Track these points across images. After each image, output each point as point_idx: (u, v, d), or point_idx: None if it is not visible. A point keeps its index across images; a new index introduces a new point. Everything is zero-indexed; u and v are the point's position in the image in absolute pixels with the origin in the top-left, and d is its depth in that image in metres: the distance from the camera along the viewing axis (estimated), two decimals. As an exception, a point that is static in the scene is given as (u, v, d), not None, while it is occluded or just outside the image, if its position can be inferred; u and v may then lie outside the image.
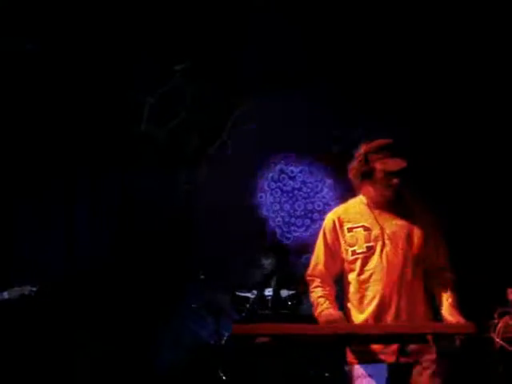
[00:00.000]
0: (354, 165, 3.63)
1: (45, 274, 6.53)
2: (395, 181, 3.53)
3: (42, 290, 5.67)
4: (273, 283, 6.30)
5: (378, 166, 3.52)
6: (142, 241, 7.60)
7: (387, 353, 3.38)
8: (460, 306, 3.57)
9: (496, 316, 3.14)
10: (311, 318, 3.81)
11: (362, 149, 3.60)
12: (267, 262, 6.45)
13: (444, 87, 6.67)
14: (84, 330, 6.40)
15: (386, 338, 3.23)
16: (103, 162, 7.29)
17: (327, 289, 3.69)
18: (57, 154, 7.01)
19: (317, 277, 3.72)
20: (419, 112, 6.75)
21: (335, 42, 6.59)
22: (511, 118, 6.52)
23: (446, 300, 3.52)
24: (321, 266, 3.71)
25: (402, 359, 3.29)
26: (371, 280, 3.55)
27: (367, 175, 3.57)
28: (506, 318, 3.11)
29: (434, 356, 3.38)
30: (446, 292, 3.54)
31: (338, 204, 3.92)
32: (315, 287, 3.72)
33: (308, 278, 3.77)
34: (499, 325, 3.08)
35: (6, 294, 5.49)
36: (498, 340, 3.06)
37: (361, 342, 3.38)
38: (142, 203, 7.80)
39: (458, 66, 6.53)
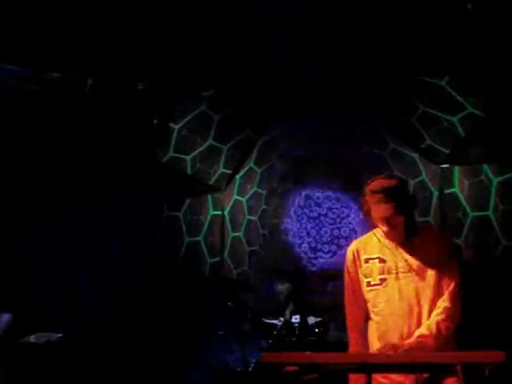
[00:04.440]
0: (360, 202, 3.70)
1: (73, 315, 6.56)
2: (384, 228, 3.58)
3: (68, 337, 5.64)
4: (288, 310, 6.26)
5: (372, 209, 3.58)
6: (169, 269, 7.66)
7: None
8: (487, 333, 3.53)
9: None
10: (338, 345, 3.82)
11: (365, 188, 3.64)
12: (283, 288, 6.43)
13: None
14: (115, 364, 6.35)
15: (413, 368, 3.21)
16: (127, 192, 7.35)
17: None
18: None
19: (348, 310, 3.79)
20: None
21: (360, 67, 6.60)
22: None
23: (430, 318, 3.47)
24: (347, 302, 3.79)
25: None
26: (384, 312, 3.57)
27: (369, 215, 3.63)
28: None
29: None
30: (434, 315, 3.47)
31: (364, 230, 3.96)
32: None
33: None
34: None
35: (32, 338, 5.46)
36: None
37: (387, 370, 3.37)
38: (166, 231, 7.88)
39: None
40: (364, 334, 3.73)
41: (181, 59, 6.20)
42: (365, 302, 3.68)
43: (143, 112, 7.00)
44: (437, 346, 3.36)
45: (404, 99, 6.85)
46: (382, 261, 3.61)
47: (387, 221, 3.54)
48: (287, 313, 6.20)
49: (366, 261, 3.67)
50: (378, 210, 3.53)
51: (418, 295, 3.51)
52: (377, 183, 3.56)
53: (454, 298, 3.47)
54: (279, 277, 6.56)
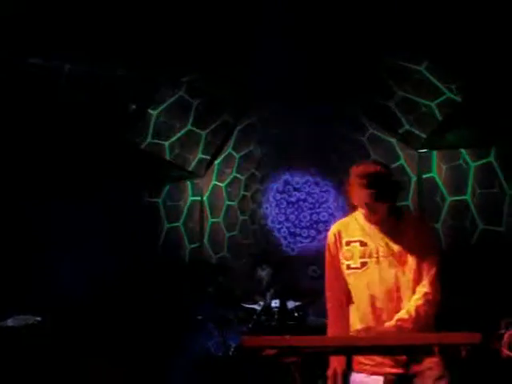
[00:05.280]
0: (345, 185, 3.69)
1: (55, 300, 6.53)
2: (364, 211, 3.62)
3: (46, 319, 5.60)
4: (269, 295, 6.26)
5: (353, 193, 3.61)
6: (148, 255, 7.64)
7: (391, 364, 3.41)
8: (465, 316, 3.55)
9: (502, 326, 3.14)
10: (317, 329, 3.83)
11: (350, 171, 3.65)
12: (264, 274, 6.42)
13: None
14: (94, 350, 6.33)
15: (390, 350, 3.24)
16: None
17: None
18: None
19: (329, 292, 3.78)
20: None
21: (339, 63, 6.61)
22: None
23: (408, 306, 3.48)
24: (328, 283, 3.78)
25: (406, 370, 3.30)
26: (365, 295, 3.58)
27: (350, 196, 3.66)
28: (513, 328, 3.12)
29: (438, 366, 3.39)
30: (414, 300, 3.49)
31: (343, 215, 3.96)
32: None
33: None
34: (506, 335, 3.08)
35: (10, 322, 5.42)
36: (505, 351, 3.06)
37: (365, 352, 3.39)
38: (146, 217, 7.85)
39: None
40: (345, 315, 3.73)
41: (160, 44, 6.16)
42: (345, 282, 3.69)
43: (121, 98, 6.96)
44: (416, 330, 3.38)
45: (382, 84, 6.86)
46: (363, 244, 3.61)
47: (367, 205, 3.56)
48: (267, 297, 6.22)
49: (348, 243, 3.66)
50: (360, 194, 3.56)
51: (397, 279, 3.52)
52: (363, 168, 3.58)
53: (433, 284, 3.49)
54: (260, 262, 6.54)
